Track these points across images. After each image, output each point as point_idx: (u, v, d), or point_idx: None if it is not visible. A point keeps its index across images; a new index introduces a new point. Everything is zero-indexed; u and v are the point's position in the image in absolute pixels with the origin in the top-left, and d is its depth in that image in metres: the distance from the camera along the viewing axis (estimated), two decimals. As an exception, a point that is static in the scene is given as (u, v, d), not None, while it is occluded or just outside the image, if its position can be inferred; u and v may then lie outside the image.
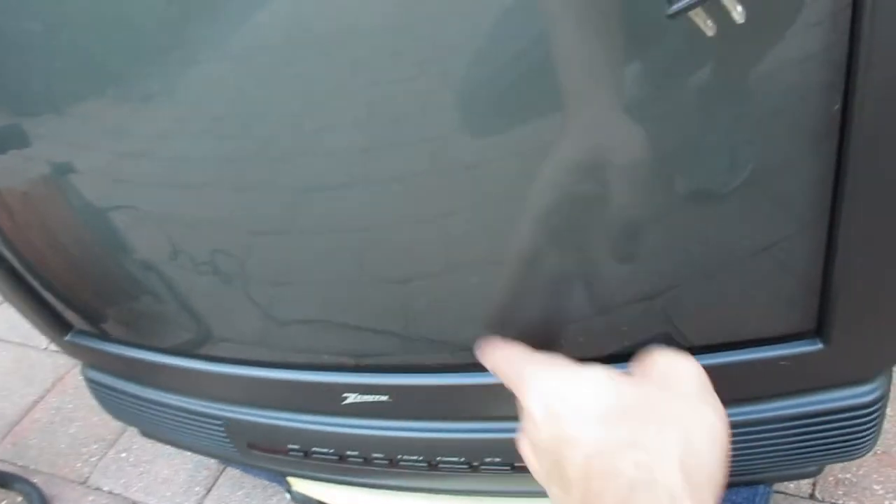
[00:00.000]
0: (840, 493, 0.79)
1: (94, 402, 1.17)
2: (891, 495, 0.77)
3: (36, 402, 1.21)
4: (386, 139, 0.50)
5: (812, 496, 0.79)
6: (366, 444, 0.66)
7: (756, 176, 0.46)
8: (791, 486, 0.81)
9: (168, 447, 1.06)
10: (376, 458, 0.67)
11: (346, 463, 0.69)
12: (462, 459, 0.64)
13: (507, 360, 0.49)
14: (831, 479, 0.80)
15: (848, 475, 0.80)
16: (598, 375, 0.42)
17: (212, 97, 0.51)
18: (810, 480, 0.81)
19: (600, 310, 0.56)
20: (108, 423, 1.13)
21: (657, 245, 0.51)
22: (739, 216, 0.48)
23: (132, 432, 1.10)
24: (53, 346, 1.31)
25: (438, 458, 0.65)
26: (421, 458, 0.65)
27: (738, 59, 0.41)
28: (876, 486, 0.78)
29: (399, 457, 0.66)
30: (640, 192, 0.48)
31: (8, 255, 0.68)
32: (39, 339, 1.34)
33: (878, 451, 0.81)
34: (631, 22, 0.40)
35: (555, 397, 0.41)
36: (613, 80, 0.43)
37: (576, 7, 0.40)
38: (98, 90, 0.54)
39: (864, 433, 0.59)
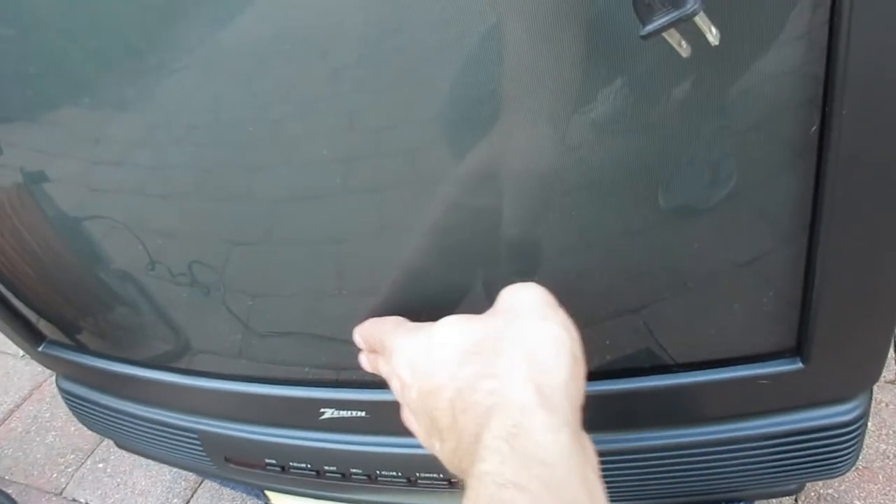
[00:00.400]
0: (822, 508, 0.79)
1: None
2: (872, 511, 0.77)
3: (12, 412, 1.19)
4: (364, 150, 0.49)
5: (794, 512, 0.79)
6: (344, 460, 0.65)
7: (735, 193, 0.46)
8: (773, 502, 0.81)
9: (145, 458, 1.04)
10: (354, 474, 0.66)
11: (323, 478, 0.68)
12: (441, 476, 0.63)
13: (374, 333, 0.50)
14: (813, 494, 0.80)
15: (830, 491, 0.80)
16: (450, 323, 0.44)
17: (188, 105, 0.50)
18: (792, 497, 0.80)
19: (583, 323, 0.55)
20: (86, 433, 1.11)
21: (637, 260, 0.50)
22: (718, 233, 0.48)
23: (109, 443, 1.08)
24: (31, 354, 1.30)
25: (417, 474, 0.64)
26: (399, 473, 0.65)
27: (714, 76, 0.41)
28: (857, 502, 0.78)
29: (377, 472, 0.65)
30: (619, 205, 0.48)
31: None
32: (15, 347, 1.32)
33: (860, 467, 0.81)
34: (607, 38, 0.39)
35: (416, 357, 0.43)
36: (590, 95, 0.42)
37: (550, 28, 0.40)
38: (72, 96, 0.52)
39: (845, 451, 0.59)
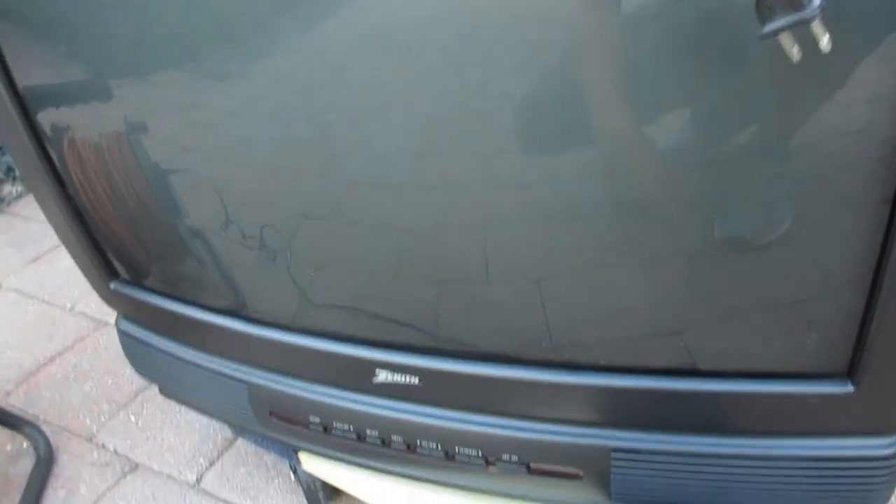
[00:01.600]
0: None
1: (110, 365, 1.20)
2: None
3: (54, 358, 1.23)
4: (441, 148, 0.53)
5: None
6: (387, 426, 0.68)
7: (797, 231, 0.48)
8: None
9: (178, 417, 1.07)
10: (395, 442, 0.68)
11: (363, 443, 0.70)
12: (479, 453, 0.65)
13: None
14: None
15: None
16: None
17: (284, 85, 0.55)
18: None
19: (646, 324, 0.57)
20: (122, 387, 1.15)
21: (704, 275, 0.53)
22: (783, 262, 0.50)
23: (144, 397, 1.12)
24: (79, 307, 1.34)
25: (456, 449, 0.66)
26: (439, 446, 0.67)
27: (798, 107, 0.44)
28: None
29: (418, 442, 0.67)
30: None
31: (75, 199, 0.71)
32: (65, 299, 1.37)
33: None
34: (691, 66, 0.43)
35: None
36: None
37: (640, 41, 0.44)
38: (179, 63, 0.58)
39: (878, 486, 0.60)
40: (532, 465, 0.64)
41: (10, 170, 1.72)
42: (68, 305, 1.35)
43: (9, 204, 1.72)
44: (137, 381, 1.15)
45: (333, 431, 0.71)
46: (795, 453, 0.58)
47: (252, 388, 0.74)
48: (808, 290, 0.52)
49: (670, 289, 0.55)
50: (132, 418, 1.08)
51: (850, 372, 0.53)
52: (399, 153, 0.55)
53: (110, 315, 1.32)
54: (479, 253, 0.57)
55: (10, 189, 1.74)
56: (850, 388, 0.53)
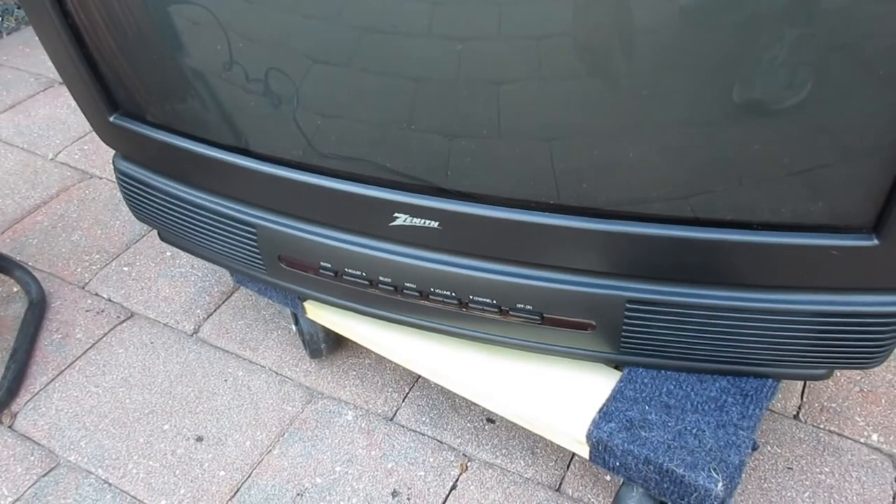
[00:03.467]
0: (823, 418, 0.83)
1: (98, 216, 1.17)
2: (870, 428, 0.81)
3: (38, 206, 1.19)
4: None
5: (796, 417, 0.83)
6: (401, 272, 0.67)
7: (824, 94, 0.46)
8: (778, 404, 0.85)
9: (172, 269, 1.06)
10: (407, 289, 0.68)
11: (374, 289, 0.70)
12: (493, 301, 0.65)
13: None
14: (817, 405, 0.84)
15: (833, 405, 0.84)
16: None
17: None
18: (796, 403, 0.84)
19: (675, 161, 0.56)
20: (112, 238, 1.12)
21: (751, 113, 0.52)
22: (809, 123, 0.49)
23: (136, 249, 1.10)
24: (61, 158, 1.30)
25: (470, 297, 0.66)
26: (453, 293, 0.66)
27: None
28: (858, 419, 0.82)
29: (431, 289, 0.67)
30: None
31: (74, 17, 0.66)
32: (46, 149, 1.32)
33: (865, 389, 0.85)
34: None
35: None
36: None
37: None
38: None
39: (883, 344, 0.61)
40: (546, 315, 0.65)
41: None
42: (49, 155, 1.30)
43: (-22, 48, 1.62)
44: (128, 232, 1.13)
45: (345, 277, 0.70)
46: (814, 308, 0.59)
47: (261, 232, 0.72)
48: (834, 152, 0.51)
49: (698, 144, 0.53)
50: (125, 269, 1.07)
51: (875, 226, 0.54)
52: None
53: (95, 166, 1.28)
54: (493, 106, 0.55)
55: (-22, 32, 1.63)
56: (874, 242, 0.54)
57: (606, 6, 0.48)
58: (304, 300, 0.81)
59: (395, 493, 0.78)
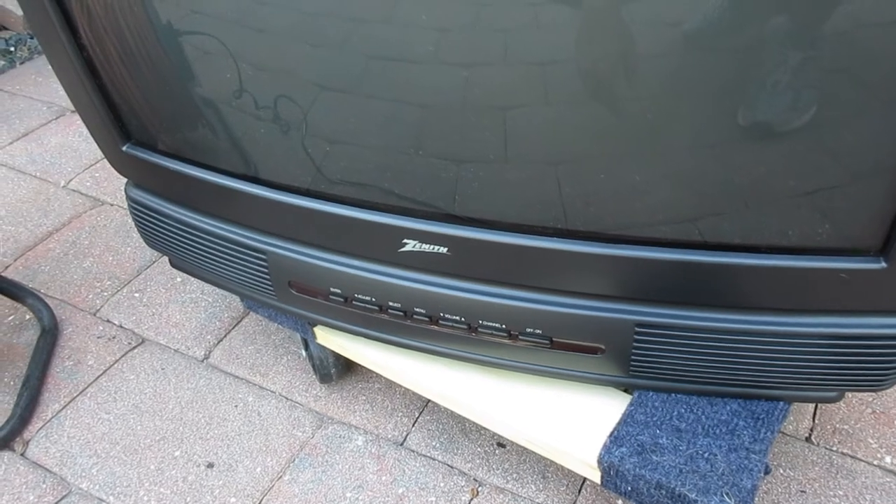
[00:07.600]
0: (836, 440, 0.82)
1: (110, 242, 1.18)
2: (884, 450, 0.80)
3: (50, 234, 1.20)
4: (461, 24, 0.51)
5: (809, 439, 0.82)
6: (410, 297, 0.68)
7: (829, 115, 0.47)
8: (789, 427, 0.84)
9: (182, 295, 1.07)
10: (417, 314, 0.68)
11: (384, 314, 0.70)
12: (503, 326, 0.66)
13: None
14: (829, 427, 0.83)
15: (846, 427, 0.83)
16: None
17: None
18: (808, 425, 0.84)
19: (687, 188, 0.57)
20: (124, 264, 1.13)
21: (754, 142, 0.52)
22: (814, 145, 0.49)
23: (146, 275, 1.11)
24: (72, 185, 1.31)
25: (480, 322, 0.66)
26: (462, 318, 0.67)
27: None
28: (871, 441, 0.81)
29: (441, 314, 0.67)
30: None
31: (87, 51, 0.67)
32: (58, 176, 1.34)
33: (878, 410, 0.84)
34: None
35: None
36: None
37: None
38: None
39: (894, 365, 0.61)
40: (555, 339, 0.65)
41: (-9, 42, 1.63)
42: (62, 182, 1.32)
43: (-8, 78, 1.65)
44: (139, 258, 1.14)
45: (354, 303, 0.71)
46: (822, 331, 0.59)
47: (272, 258, 0.73)
48: (840, 175, 0.51)
49: (703, 168, 0.54)
50: (136, 295, 1.08)
51: (883, 249, 0.54)
52: (422, 26, 0.52)
53: (106, 193, 1.29)
54: (499, 132, 0.56)
55: (-8, 62, 1.66)
56: (882, 265, 0.54)
57: (610, 33, 0.48)
58: (314, 325, 0.81)
59: (405, 519, 0.78)
